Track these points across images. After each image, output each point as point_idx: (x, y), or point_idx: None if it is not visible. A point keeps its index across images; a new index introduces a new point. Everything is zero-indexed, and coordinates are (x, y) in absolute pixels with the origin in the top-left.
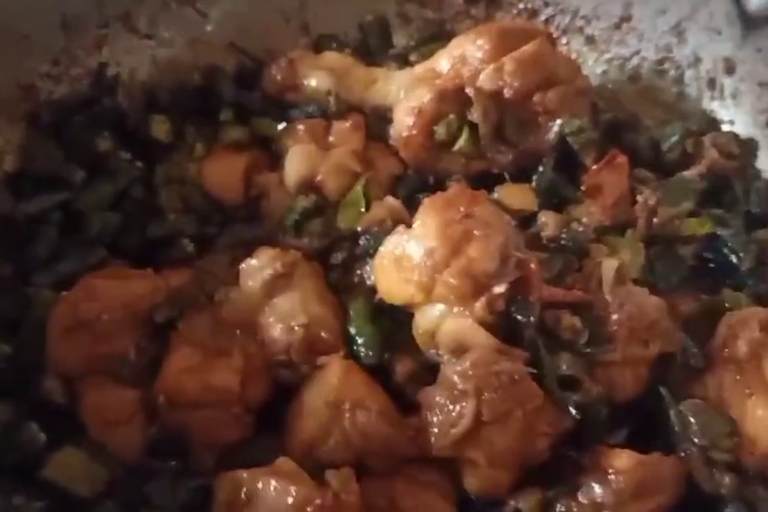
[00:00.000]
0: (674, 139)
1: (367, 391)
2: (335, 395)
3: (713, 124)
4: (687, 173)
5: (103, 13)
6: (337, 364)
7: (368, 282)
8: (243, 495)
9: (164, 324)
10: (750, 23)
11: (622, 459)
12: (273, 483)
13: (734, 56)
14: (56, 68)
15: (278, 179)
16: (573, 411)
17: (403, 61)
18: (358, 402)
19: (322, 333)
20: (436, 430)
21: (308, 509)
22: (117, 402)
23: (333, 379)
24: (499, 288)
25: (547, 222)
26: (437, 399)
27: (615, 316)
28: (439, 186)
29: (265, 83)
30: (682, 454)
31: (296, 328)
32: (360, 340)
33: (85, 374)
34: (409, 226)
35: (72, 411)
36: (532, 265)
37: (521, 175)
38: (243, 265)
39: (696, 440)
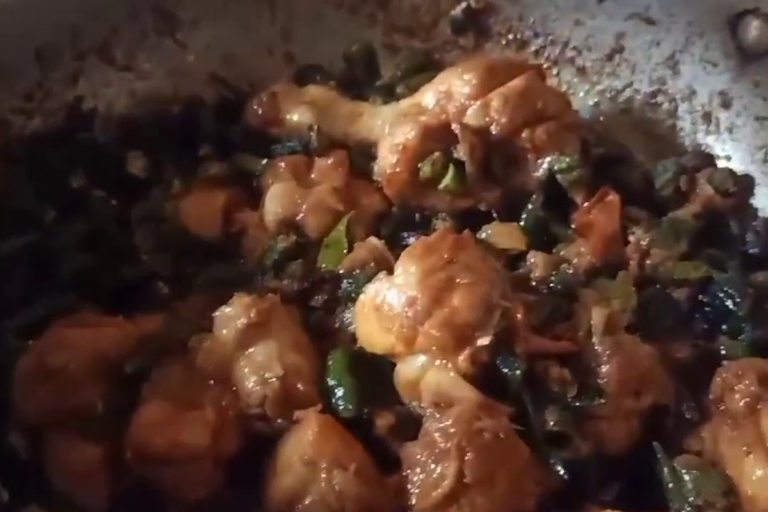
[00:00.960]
0: (667, 175)
1: (344, 449)
2: (311, 453)
3: (708, 159)
4: (681, 212)
5: (79, 45)
6: (312, 420)
7: (349, 329)
8: None
9: (134, 375)
10: (747, 56)
11: None
12: None
13: (730, 90)
14: (29, 103)
15: (258, 217)
16: (561, 469)
17: (390, 93)
18: (335, 461)
19: (299, 385)
20: (416, 491)
21: None
22: (82, 456)
23: (308, 436)
24: (483, 341)
25: (537, 263)
26: (418, 457)
27: (605, 367)
28: (425, 223)
29: (247, 117)
30: None
31: (271, 380)
32: (338, 392)
33: (51, 427)
34: (391, 269)
35: (35, 466)
36: (519, 315)
37: (509, 212)
38: (217, 313)
39: (690, 498)
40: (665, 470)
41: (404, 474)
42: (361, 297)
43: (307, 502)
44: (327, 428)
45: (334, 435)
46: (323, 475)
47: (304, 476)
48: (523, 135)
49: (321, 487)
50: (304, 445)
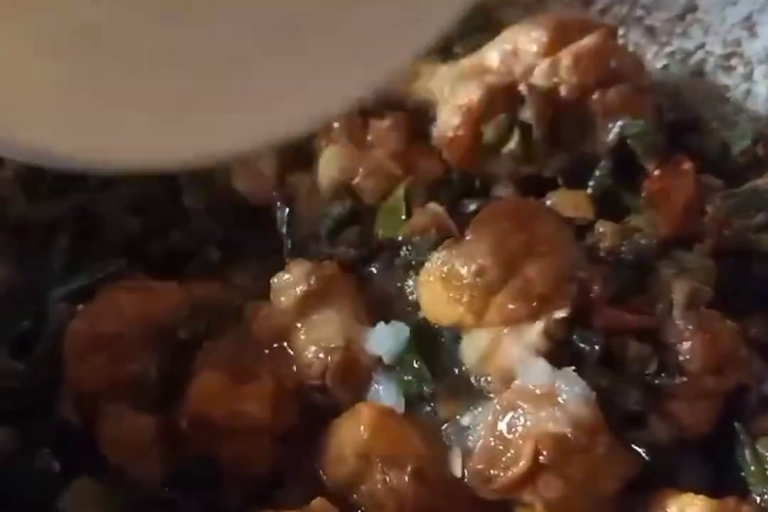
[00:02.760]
0: (744, 143)
1: (401, 444)
2: (364, 448)
3: None
4: (761, 181)
5: None
6: (365, 413)
7: (410, 298)
8: None
9: (188, 343)
10: None
11: (695, 506)
12: None
13: None
14: None
15: (311, 181)
16: (642, 451)
17: (447, 53)
18: (390, 459)
19: (361, 357)
20: (490, 472)
21: None
22: (137, 428)
23: (360, 431)
24: (561, 313)
25: (606, 232)
26: (491, 439)
27: (687, 344)
28: (485, 191)
29: None
30: (759, 499)
31: (332, 351)
32: (402, 367)
33: (104, 397)
34: (453, 236)
35: (88, 436)
36: (596, 287)
37: (576, 179)
38: (275, 280)
39: None
40: (747, 453)
41: (475, 456)
42: (427, 265)
43: (364, 491)
44: (380, 422)
45: (387, 430)
46: (378, 473)
47: (358, 469)
48: (594, 97)
49: (376, 486)
50: (357, 439)
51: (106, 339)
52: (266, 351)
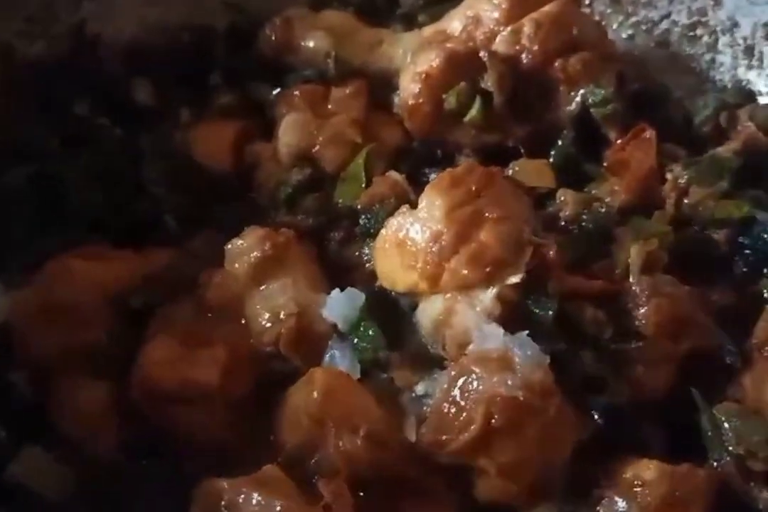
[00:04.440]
0: (707, 112)
1: (354, 407)
2: (317, 412)
3: (750, 96)
4: (721, 149)
5: None
6: (318, 377)
7: (367, 266)
8: (222, 508)
9: (142, 310)
10: None
11: (649, 470)
12: (255, 495)
13: None
14: (33, 25)
15: (272, 149)
16: (597, 415)
17: (411, 22)
18: (344, 422)
19: (314, 324)
20: (443, 437)
21: None
22: (90, 397)
23: (313, 395)
24: (514, 278)
25: (567, 201)
26: (444, 404)
27: (643, 309)
28: (448, 160)
29: (260, 44)
30: (715, 464)
31: (286, 318)
32: (357, 333)
33: (57, 366)
34: (413, 205)
35: (40, 406)
36: (552, 252)
37: (538, 149)
38: (228, 246)
39: (731, 448)
40: (704, 418)
41: (429, 420)
42: (382, 232)
43: (317, 458)
44: (334, 385)
45: (342, 393)
46: (331, 437)
47: (313, 433)
48: (556, 65)
49: (329, 449)
50: (310, 403)
51: (59, 307)
52: (220, 318)
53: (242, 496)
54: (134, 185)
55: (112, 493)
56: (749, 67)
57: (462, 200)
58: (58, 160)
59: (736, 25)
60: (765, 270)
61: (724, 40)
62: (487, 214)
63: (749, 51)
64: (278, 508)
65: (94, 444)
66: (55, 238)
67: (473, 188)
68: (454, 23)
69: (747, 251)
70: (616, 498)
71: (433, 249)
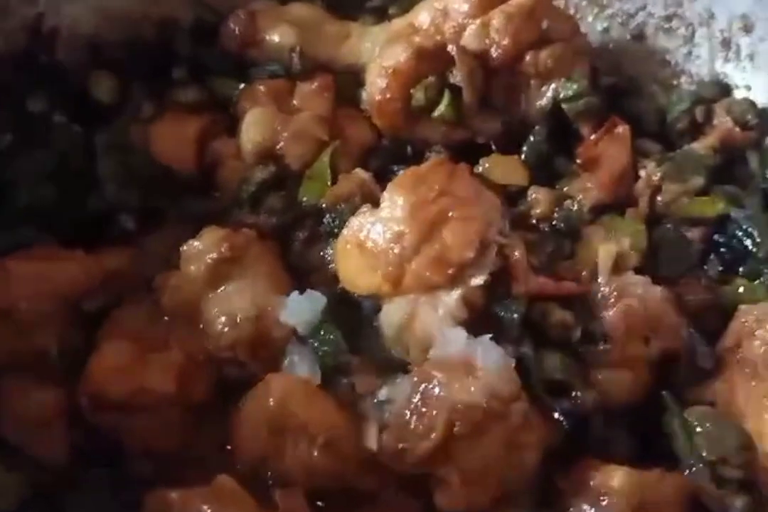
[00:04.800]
0: (682, 106)
1: (313, 416)
2: (273, 420)
3: (726, 89)
4: (696, 145)
5: None
6: (276, 382)
7: (330, 267)
8: None
9: (96, 314)
10: None
11: (618, 477)
12: (205, 508)
13: (752, 13)
14: None
15: (235, 146)
16: (563, 420)
17: (382, 15)
18: (301, 431)
19: (274, 328)
20: (402, 445)
21: None
22: (38, 402)
23: (270, 402)
24: (478, 280)
25: (539, 199)
26: (405, 411)
27: (611, 311)
28: (418, 157)
29: (223, 38)
30: (687, 471)
31: (243, 322)
32: (317, 338)
33: (2, 370)
34: (377, 204)
35: None
36: (517, 253)
37: (509, 145)
38: (185, 247)
39: (703, 454)
40: (676, 423)
41: (390, 429)
42: (344, 232)
43: (274, 467)
44: (291, 393)
45: (299, 401)
46: (288, 446)
47: (270, 442)
48: (527, 59)
49: (286, 459)
50: (266, 411)
51: (3, 312)
52: (176, 322)
53: (193, 509)
54: (88, 182)
55: (61, 502)
56: (726, 60)
57: (425, 199)
58: (8, 157)
59: (712, 16)
60: (740, 269)
61: (700, 32)
62: (451, 214)
63: (726, 44)
64: None
65: (42, 451)
66: (1, 239)
67: (437, 186)
68: (422, 16)
69: (722, 249)
70: (584, 507)
71: (395, 250)
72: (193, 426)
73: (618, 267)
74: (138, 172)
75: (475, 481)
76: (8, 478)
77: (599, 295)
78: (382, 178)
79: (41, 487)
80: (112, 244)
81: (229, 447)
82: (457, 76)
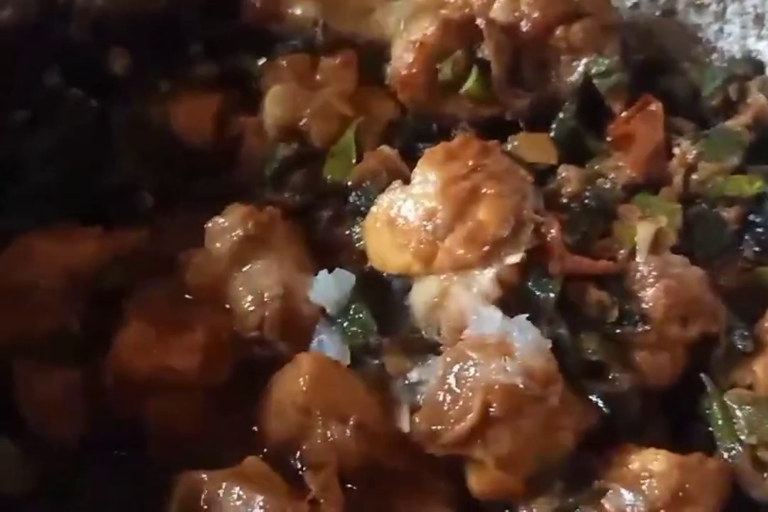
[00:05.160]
0: (715, 84)
1: (344, 395)
2: (303, 400)
3: (759, 67)
4: (730, 123)
5: None
6: (305, 362)
7: (357, 246)
8: (202, 502)
9: (115, 292)
10: None
11: (658, 461)
12: (237, 490)
13: None
14: None
15: (256, 123)
16: (600, 403)
17: None
18: (332, 411)
19: (301, 306)
20: (436, 427)
21: None
22: (56, 383)
23: (300, 382)
24: (513, 258)
25: (569, 177)
26: (439, 392)
27: (650, 290)
28: (443, 134)
29: (243, 11)
30: (726, 455)
31: (270, 300)
32: (346, 318)
33: (21, 350)
34: (407, 181)
35: (3, 394)
36: (554, 231)
37: (539, 122)
38: (209, 224)
39: (742, 437)
40: (714, 405)
41: (424, 409)
42: (373, 209)
43: (304, 449)
44: (322, 372)
45: (330, 381)
46: (319, 427)
47: (299, 423)
48: (557, 33)
49: (317, 441)
50: (296, 391)
51: (18, 290)
52: (199, 301)
53: (222, 490)
54: (105, 159)
55: (75, 489)
56: (759, 37)
57: (458, 175)
58: (24, 132)
59: None
60: None
61: (732, 8)
62: (484, 190)
63: (759, 20)
64: (261, 503)
65: (59, 433)
66: (19, 217)
67: (470, 162)
68: None
69: (758, 229)
70: (622, 491)
71: (427, 227)
72: (217, 409)
73: (656, 246)
74: (155, 148)
75: (510, 464)
76: (22, 461)
77: (637, 275)
78: (407, 156)
79: (55, 474)
80: (130, 223)
81: (255, 429)
82: (485, 51)
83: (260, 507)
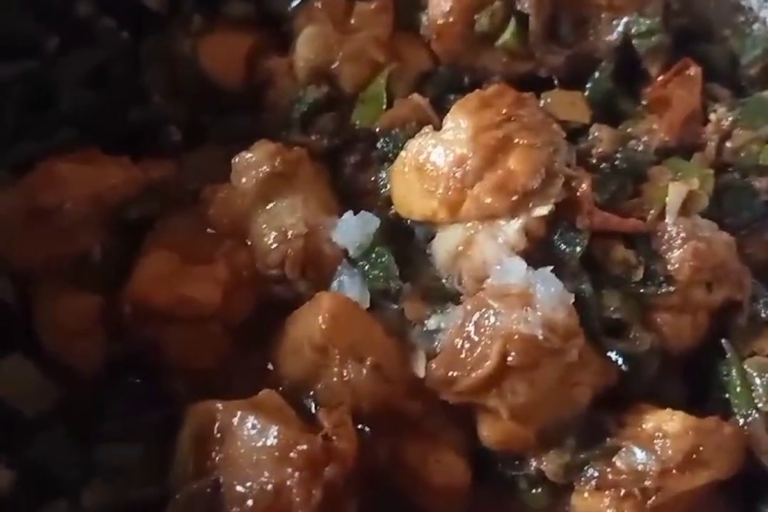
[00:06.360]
0: (756, 52)
1: (361, 337)
2: (321, 339)
3: None
4: None
5: None
6: (324, 301)
7: (383, 192)
8: (215, 431)
9: (138, 223)
10: None
11: (674, 422)
12: (251, 419)
13: None
14: None
15: (287, 65)
16: (619, 361)
17: None
18: (350, 351)
19: (324, 246)
20: (452, 373)
21: (291, 455)
22: (76, 308)
23: (318, 320)
24: (541, 210)
25: (601, 137)
26: (456, 339)
27: (677, 252)
28: (475, 87)
29: None
30: (742, 421)
31: (293, 239)
32: (368, 260)
33: (42, 274)
34: (438, 128)
35: (24, 316)
36: (584, 185)
37: (572, 80)
38: (236, 159)
39: (759, 405)
40: (734, 372)
41: (439, 357)
42: (402, 154)
43: (319, 388)
44: (342, 312)
45: (349, 321)
46: (335, 366)
47: (315, 362)
48: None
49: (332, 379)
50: (314, 329)
51: (45, 212)
52: (222, 235)
53: (237, 419)
54: (136, 93)
55: (91, 414)
56: None
57: (491, 123)
58: (56, 59)
59: None
60: None
61: None
62: (517, 140)
63: None
64: (275, 433)
65: (75, 358)
66: (46, 140)
67: (504, 111)
68: None
69: None
70: (635, 449)
71: (456, 174)
72: (234, 345)
73: (686, 208)
74: (184, 84)
75: (524, 416)
76: (40, 382)
77: (665, 235)
78: (438, 106)
79: (76, 395)
80: (156, 156)
81: (270, 367)
82: (524, 3)
83: (274, 437)
